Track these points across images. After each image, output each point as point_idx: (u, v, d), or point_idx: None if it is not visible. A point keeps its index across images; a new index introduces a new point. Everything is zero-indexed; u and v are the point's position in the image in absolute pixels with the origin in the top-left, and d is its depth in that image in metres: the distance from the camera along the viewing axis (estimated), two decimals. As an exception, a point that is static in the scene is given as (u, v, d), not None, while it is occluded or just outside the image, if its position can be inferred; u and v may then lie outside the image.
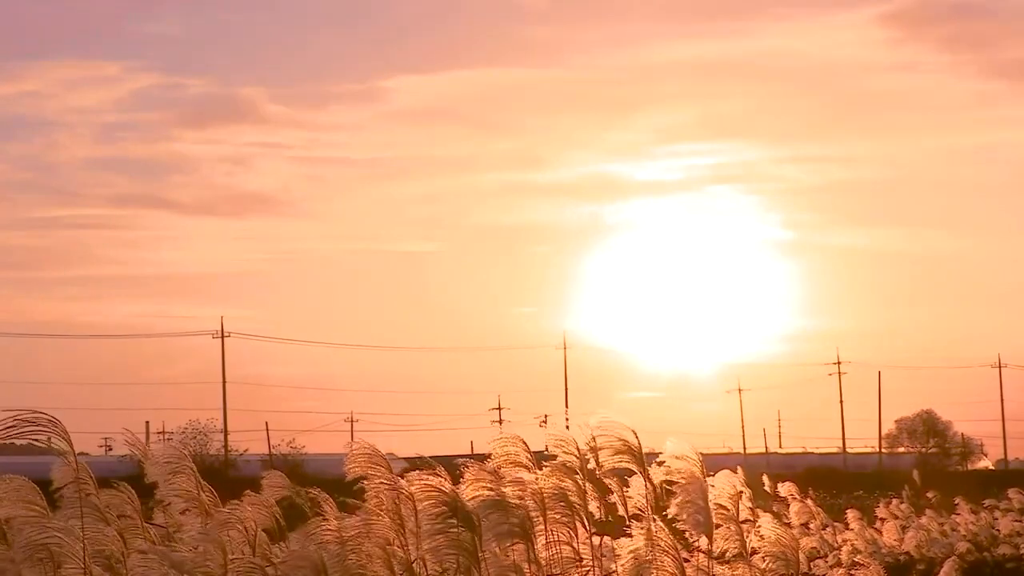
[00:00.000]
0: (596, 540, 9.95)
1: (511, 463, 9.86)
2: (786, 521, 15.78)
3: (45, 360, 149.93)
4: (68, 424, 8.30)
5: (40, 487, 8.80)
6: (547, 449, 10.08)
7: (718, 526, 9.99)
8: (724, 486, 10.13)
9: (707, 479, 9.78)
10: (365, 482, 9.43)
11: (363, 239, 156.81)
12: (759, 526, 10.18)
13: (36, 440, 7.96)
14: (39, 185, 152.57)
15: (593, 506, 9.86)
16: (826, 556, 21.57)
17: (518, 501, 9.54)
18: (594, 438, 9.76)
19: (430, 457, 9.52)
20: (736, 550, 9.92)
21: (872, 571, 9.54)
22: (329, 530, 9.19)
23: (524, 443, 9.94)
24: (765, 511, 11.44)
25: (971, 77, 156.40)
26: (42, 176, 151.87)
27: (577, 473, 9.81)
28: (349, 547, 9.03)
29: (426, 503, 9.12)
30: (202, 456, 77.85)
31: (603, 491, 9.93)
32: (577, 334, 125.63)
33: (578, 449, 9.84)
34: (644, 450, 9.87)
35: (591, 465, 9.81)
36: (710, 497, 9.77)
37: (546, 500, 9.71)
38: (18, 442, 8.09)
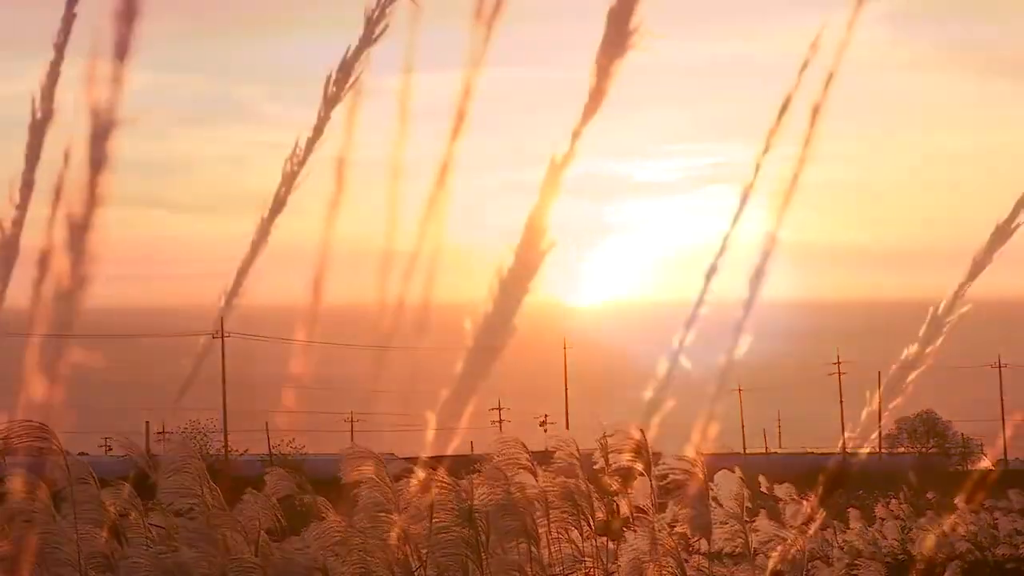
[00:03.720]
0: (598, 542, 9.93)
1: (512, 465, 9.84)
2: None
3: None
4: (68, 424, 8.30)
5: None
6: (546, 449, 10.07)
7: (722, 524, 10.00)
8: (728, 486, 10.14)
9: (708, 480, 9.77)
10: (362, 484, 9.39)
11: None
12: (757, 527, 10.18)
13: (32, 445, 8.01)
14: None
15: (597, 506, 9.84)
16: (825, 556, 21.53)
17: (523, 503, 9.51)
18: (604, 436, 9.75)
19: (430, 458, 9.47)
20: (740, 550, 9.92)
21: (872, 571, 9.53)
22: (328, 530, 9.15)
23: (524, 445, 9.92)
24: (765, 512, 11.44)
25: (971, 77, 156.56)
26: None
27: (578, 475, 9.80)
28: (348, 548, 8.99)
29: (433, 502, 9.07)
30: (202, 456, 77.67)
31: (608, 492, 9.92)
32: (577, 334, 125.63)
33: (578, 450, 9.83)
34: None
35: (597, 465, 9.79)
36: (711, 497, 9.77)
37: (550, 501, 9.69)
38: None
